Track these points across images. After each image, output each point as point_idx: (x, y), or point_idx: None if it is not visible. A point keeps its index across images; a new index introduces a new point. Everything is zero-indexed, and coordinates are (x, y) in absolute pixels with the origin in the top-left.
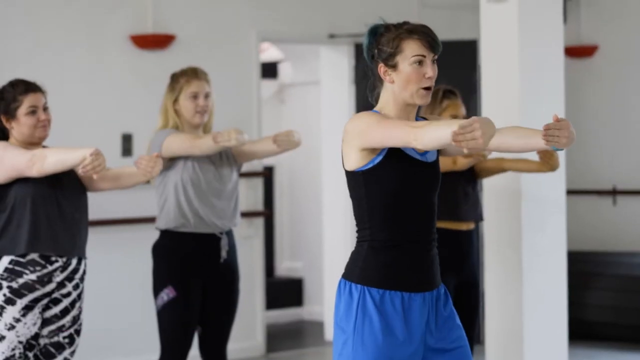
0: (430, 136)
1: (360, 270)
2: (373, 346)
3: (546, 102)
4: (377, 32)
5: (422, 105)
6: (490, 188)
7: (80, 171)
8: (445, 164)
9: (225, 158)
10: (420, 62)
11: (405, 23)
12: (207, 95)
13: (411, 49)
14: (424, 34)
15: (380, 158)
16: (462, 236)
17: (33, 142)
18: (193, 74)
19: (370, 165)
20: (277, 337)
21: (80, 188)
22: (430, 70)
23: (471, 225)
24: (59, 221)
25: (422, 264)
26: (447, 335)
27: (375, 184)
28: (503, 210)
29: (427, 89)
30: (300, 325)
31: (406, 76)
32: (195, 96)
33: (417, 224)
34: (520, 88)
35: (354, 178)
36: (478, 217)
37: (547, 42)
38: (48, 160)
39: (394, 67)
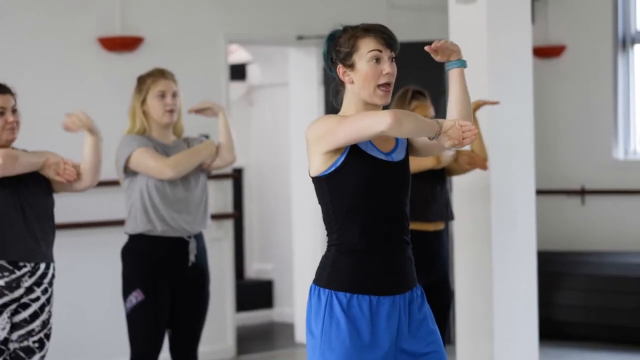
0: (411, 122)
1: (328, 275)
2: (341, 350)
3: (514, 102)
4: (334, 36)
5: (382, 104)
6: (460, 187)
7: (50, 175)
8: (423, 164)
9: None
10: (377, 60)
11: (362, 24)
12: (174, 94)
13: (367, 46)
14: (379, 31)
15: (342, 160)
16: (430, 237)
17: (0, 145)
18: (159, 73)
19: (333, 169)
20: (248, 339)
21: (46, 191)
22: (388, 67)
23: (439, 226)
24: (23, 227)
25: (392, 266)
26: (422, 338)
27: (339, 187)
28: (473, 209)
29: (385, 86)
30: (271, 327)
31: (364, 74)
32: (162, 95)
33: (385, 225)
34: (488, 88)
35: (318, 183)
36: (447, 217)
37: (515, 43)
38: (20, 161)
39: (351, 66)
